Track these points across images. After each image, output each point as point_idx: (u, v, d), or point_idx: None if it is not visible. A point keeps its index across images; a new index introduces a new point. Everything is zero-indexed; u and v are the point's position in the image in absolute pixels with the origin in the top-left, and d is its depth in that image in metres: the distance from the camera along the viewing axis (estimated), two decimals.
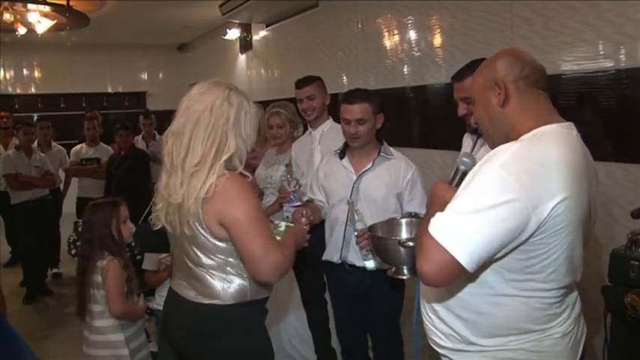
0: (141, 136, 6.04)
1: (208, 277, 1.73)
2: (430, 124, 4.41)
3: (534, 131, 1.35)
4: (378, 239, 1.91)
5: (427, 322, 1.55)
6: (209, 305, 1.74)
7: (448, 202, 1.34)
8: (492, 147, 1.51)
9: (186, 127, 1.68)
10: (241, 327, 1.76)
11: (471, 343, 1.42)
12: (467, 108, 2.11)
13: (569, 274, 1.38)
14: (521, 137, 1.35)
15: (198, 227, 1.68)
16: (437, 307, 1.48)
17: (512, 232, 1.23)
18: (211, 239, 1.69)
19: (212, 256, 1.72)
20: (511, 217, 1.22)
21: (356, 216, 2.36)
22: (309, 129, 3.21)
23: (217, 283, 1.73)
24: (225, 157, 1.66)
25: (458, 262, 1.21)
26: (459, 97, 2.13)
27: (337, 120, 3.24)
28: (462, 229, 1.22)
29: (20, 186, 5.06)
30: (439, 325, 1.49)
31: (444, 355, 1.52)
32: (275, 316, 3.20)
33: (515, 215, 1.22)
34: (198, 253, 1.73)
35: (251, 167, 3.62)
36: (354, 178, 2.52)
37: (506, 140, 1.41)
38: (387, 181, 2.49)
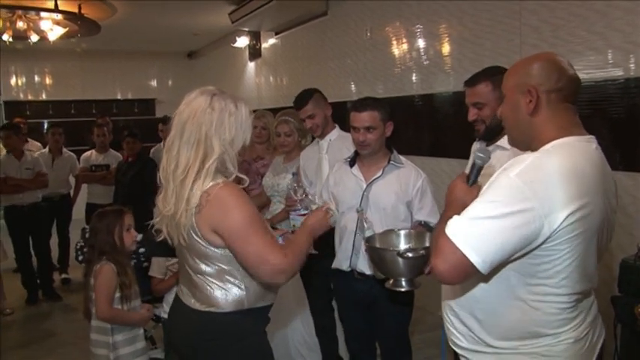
0: (162, 143, 5.78)
1: (207, 286, 1.74)
2: (438, 132, 4.40)
3: (552, 143, 1.39)
4: (375, 250, 1.89)
5: (447, 323, 1.59)
6: (207, 313, 1.75)
7: (467, 206, 1.38)
8: (511, 144, 1.57)
9: (175, 139, 1.70)
10: (239, 334, 1.77)
11: (487, 345, 1.46)
12: (477, 113, 2.12)
13: (582, 280, 1.40)
14: (541, 149, 1.39)
15: (193, 236, 1.69)
16: (455, 307, 1.53)
17: (525, 238, 1.28)
18: (208, 247, 1.70)
19: (209, 264, 1.73)
20: (524, 224, 1.27)
21: (365, 224, 2.36)
22: (317, 138, 3.22)
23: (216, 291, 1.74)
24: (209, 162, 1.66)
25: (471, 262, 1.27)
26: (470, 102, 2.14)
27: (345, 129, 3.26)
28: (477, 233, 1.28)
29: (10, 189, 4.99)
30: (458, 326, 1.54)
31: (463, 356, 1.56)
32: (282, 323, 3.20)
33: (528, 223, 1.27)
34: (197, 261, 1.75)
35: (259, 175, 3.63)
36: (364, 186, 2.52)
37: (528, 146, 1.46)
38: (397, 189, 2.49)
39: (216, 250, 1.70)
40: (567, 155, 1.34)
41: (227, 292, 1.74)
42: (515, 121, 1.48)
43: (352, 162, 2.61)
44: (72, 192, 5.82)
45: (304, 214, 2.66)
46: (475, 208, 1.32)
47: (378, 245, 1.96)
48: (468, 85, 2.17)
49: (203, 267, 1.74)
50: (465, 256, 1.27)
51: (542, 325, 1.40)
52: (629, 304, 2.25)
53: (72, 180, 5.83)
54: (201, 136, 1.67)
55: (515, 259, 1.33)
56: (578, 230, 1.31)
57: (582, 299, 1.45)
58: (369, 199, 2.50)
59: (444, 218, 1.40)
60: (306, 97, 3.10)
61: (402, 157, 2.59)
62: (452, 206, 1.47)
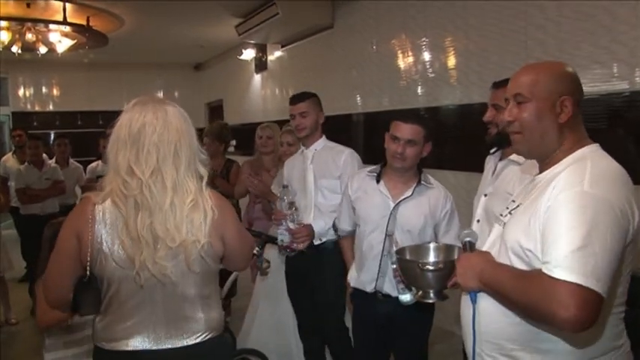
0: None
1: (206, 309, 1.63)
2: (444, 145, 4.39)
3: (583, 151, 1.39)
4: (404, 262, 1.90)
5: None
6: (215, 338, 1.65)
7: (490, 259, 1.41)
8: (522, 154, 1.52)
9: (166, 166, 1.60)
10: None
11: None
12: (494, 115, 2.10)
13: (626, 290, 1.41)
14: (570, 156, 1.38)
15: (205, 255, 1.59)
16: (506, 344, 1.39)
17: (623, 247, 1.26)
18: (212, 263, 1.63)
19: (210, 284, 1.65)
20: (621, 232, 1.24)
21: (395, 249, 2.20)
22: (302, 147, 3.08)
23: (213, 313, 1.66)
24: (204, 179, 1.63)
25: (597, 292, 1.18)
26: (491, 102, 2.13)
27: (343, 142, 3.21)
28: (589, 262, 1.19)
29: (29, 200, 5.12)
30: None
31: None
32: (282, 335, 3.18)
33: (622, 229, 1.25)
34: (200, 285, 1.62)
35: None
36: (392, 205, 2.38)
37: (545, 155, 1.42)
38: (426, 211, 2.38)
39: (218, 263, 1.66)
40: (610, 159, 1.37)
41: (219, 312, 1.69)
42: (540, 129, 1.40)
43: (378, 177, 2.45)
44: (78, 202, 5.84)
45: (291, 229, 2.63)
46: (572, 239, 1.21)
47: (408, 257, 1.95)
48: (495, 87, 2.15)
49: (205, 290, 1.63)
50: (589, 289, 1.17)
51: (613, 337, 1.38)
52: (638, 318, 2.23)
53: (78, 191, 5.86)
54: (192, 154, 1.60)
55: None
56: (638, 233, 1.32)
57: None
58: (397, 219, 2.36)
59: (504, 278, 1.32)
60: (304, 95, 3.04)
61: (430, 177, 2.48)
62: (488, 267, 1.39)
